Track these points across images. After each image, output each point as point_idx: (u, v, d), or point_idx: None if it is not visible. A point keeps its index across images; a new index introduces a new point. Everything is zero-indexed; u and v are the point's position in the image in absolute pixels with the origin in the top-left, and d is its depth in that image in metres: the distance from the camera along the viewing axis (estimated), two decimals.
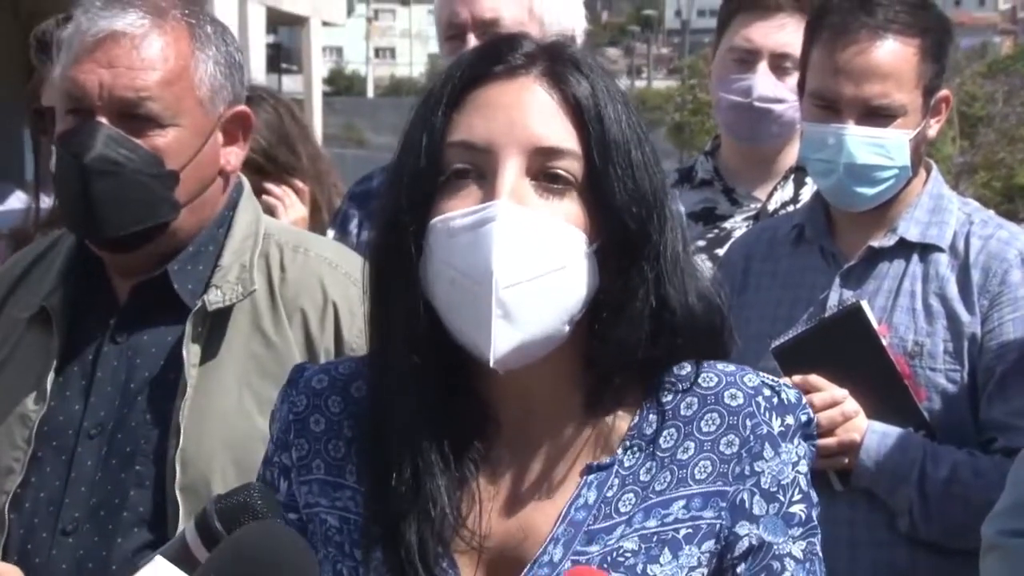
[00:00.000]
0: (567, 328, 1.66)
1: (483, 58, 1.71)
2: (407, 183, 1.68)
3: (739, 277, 3.15)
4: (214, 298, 2.38)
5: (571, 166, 1.66)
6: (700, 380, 1.74)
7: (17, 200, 3.86)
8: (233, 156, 2.47)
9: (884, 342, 2.89)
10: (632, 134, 1.68)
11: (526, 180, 1.65)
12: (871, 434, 2.87)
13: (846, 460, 2.88)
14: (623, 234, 1.66)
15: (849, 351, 2.88)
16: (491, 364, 1.62)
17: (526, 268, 1.62)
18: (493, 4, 3.14)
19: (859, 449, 2.87)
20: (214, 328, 2.38)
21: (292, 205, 3.47)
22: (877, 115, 2.91)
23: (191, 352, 2.35)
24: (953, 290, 2.93)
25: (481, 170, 1.66)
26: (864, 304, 2.91)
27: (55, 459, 2.37)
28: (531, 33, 3.09)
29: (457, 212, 1.64)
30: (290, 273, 2.44)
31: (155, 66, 2.34)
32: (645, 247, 1.67)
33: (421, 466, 1.68)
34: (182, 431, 2.31)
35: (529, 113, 1.66)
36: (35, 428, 2.37)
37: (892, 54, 2.90)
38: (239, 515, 1.62)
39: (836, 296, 2.99)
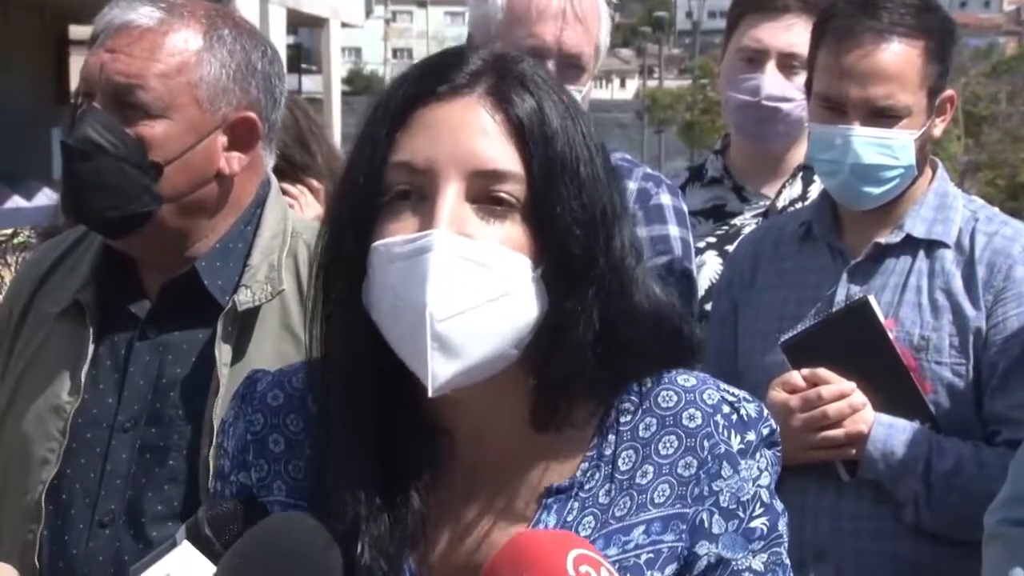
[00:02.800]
0: (515, 351, 1.63)
1: (427, 75, 1.67)
2: (350, 202, 1.66)
3: (747, 274, 3.18)
4: (244, 298, 2.39)
5: (514, 189, 1.61)
6: (659, 399, 1.71)
7: (45, 197, 3.93)
8: (236, 161, 2.44)
9: (891, 336, 2.92)
10: (582, 151, 1.64)
11: (466, 205, 1.61)
12: (878, 426, 2.90)
13: (853, 451, 2.92)
14: (567, 257, 1.62)
15: (856, 345, 2.91)
16: (430, 394, 1.59)
17: (463, 299, 1.58)
18: (578, 41, 3.11)
19: (866, 440, 2.90)
20: (244, 327, 2.39)
21: (308, 204, 3.50)
22: (882, 116, 2.94)
23: (223, 352, 2.36)
24: (958, 285, 2.95)
25: (422, 192, 1.62)
26: (871, 299, 2.93)
27: (90, 451, 2.38)
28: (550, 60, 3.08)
29: (397, 239, 1.60)
30: None
31: (153, 56, 2.35)
32: (590, 271, 1.63)
33: (368, 490, 1.65)
34: (215, 429, 2.30)
35: (471, 135, 1.62)
36: (70, 420, 2.39)
37: (896, 56, 2.93)
38: (228, 523, 1.64)
39: (843, 292, 3.01)
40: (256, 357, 2.38)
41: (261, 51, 2.47)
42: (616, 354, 1.67)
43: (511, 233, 1.62)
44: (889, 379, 2.92)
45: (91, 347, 2.42)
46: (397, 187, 1.63)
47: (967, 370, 2.93)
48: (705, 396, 1.71)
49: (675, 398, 1.71)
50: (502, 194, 1.62)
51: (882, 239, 3.03)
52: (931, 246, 3.00)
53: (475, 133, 1.62)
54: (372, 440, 1.66)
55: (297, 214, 3.40)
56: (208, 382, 2.36)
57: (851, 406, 2.91)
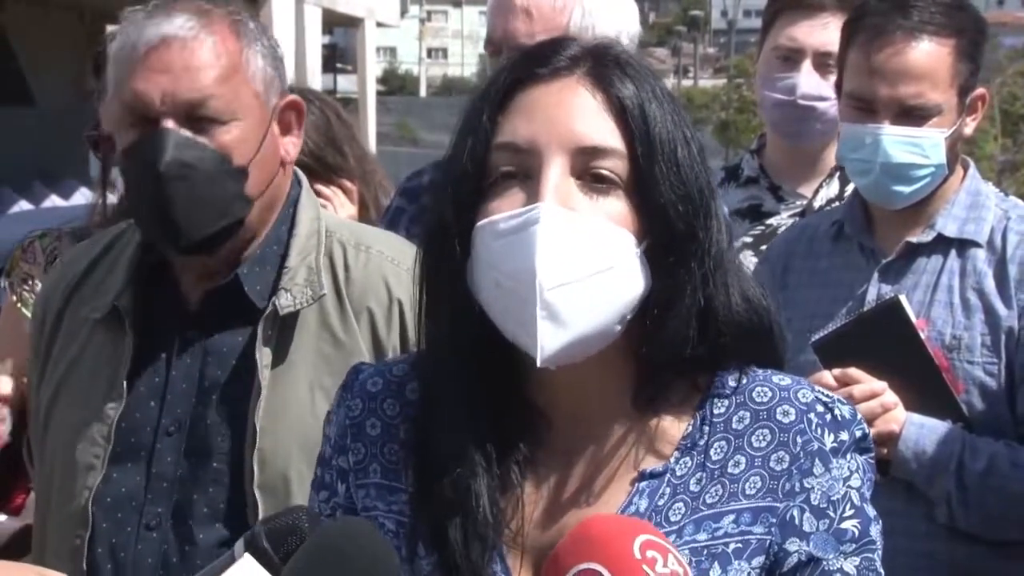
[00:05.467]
0: (619, 327, 1.67)
1: (528, 60, 1.72)
2: (454, 186, 1.69)
3: (780, 274, 3.18)
4: (285, 302, 2.40)
5: (616, 165, 1.66)
6: (754, 394, 1.74)
7: (81, 196, 3.95)
8: (291, 146, 2.49)
9: (922, 336, 2.92)
10: (678, 133, 1.68)
11: (571, 180, 1.65)
12: (910, 426, 2.90)
13: (885, 451, 2.90)
14: (670, 233, 1.66)
15: (888, 345, 2.90)
16: (538, 363, 1.63)
17: (571, 269, 1.62)
18: (528, 30, 3.07)
19: (898, 440, 2.90)
20: (284, 330, 2.41)
21: (342, 205, 3.53)
22: (913, 115, 2.94)
23: (263, 355, 2.38)
24: (991, 284, 2.95)
25: (526, 172, 1.66)
26: (903, 298, 2.93)
27: (135, 456, 2.41)
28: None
29: (502, 215, 1.64)
30: (354, 272, 2.46)
31: (211, 65, 2.36)
32: (692, 246, 1.67)
33: (465, 467, 1.69)
34: (258, 431, 2.35)
35: (572, 113, 1.66)
36: (114, 425, 2.41)
37: (927, 55, 2.93)
38: (287, 537, 1.63)
39: (875, 291, 3.01)
40: (297, 359, 2.40)
41: (275, 40, 2.50)
42: (714, 330, 1.70)
43: (615, 208, 1.66)
44: (921, 378, 2.91)
45: (131, 352, 2.44)
46: (501, 168, 1.67)
47: (999, 369, 2.92)
48: (799, 395, 1.74)
49: (769, 394, 1.74)
50: (604, 170, 1.66)
51: (914, 238, 3.03)
52: (963, 245, 3.00)
53: (576, 111, 1.67)
54: (479, 415, 1.71)
55: (330, 214, 3.44)
56: (250, 385, 2.38)
57: (883, 405, 2.90)
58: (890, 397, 2.91)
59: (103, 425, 2.42)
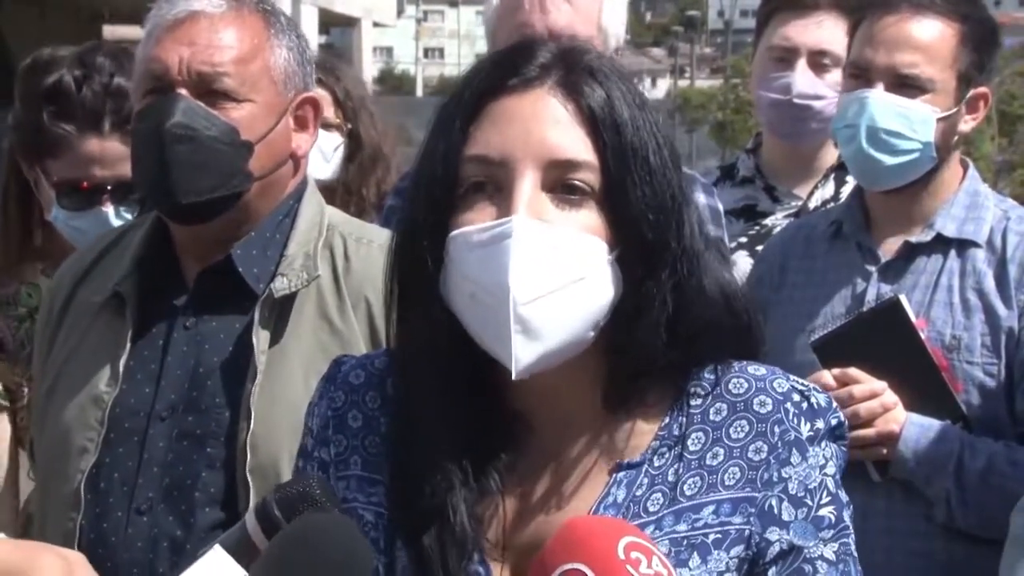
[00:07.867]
0: (591, 334, 1.68)
1: (498, 69, 1.71)
2: (425, 195, 1.70)
3: (776, 274, 3.18)
4: (280, 285, 2.43)
5: (587, 177, 1.66)
6: (730, 386, 1.75)
7: None
8: (304, 141, 2.54)
9: (922, 336, 2.91)
10: (649, 139, 1.68)
11: (542, 193, 1.65)
12: (909, 425, 2.89)
13: (884, 451, 2.90)
14: (641, 242, 1.67)
15: (887, 344, 2.91)
16: (514, 376, 1.64)
17: (544, 283, 1.63)
18: (568, 21, 3.07)
19: (897, 440, 2.89)
20: (281, 315, 2.43)
21: None
22: (906, 85, 2.94)
23: (260, 338, 2.40)
24: (990, 284, 2.95)
25: (498, 183, 1.66)
26: (903, 298, 2.93)
27: (128, 440, 2.43)
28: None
29: (475, 227, 1.65)
30: (354, 263, 2.49)
31: (232, 44, 2.44)
32: (663, 254, 1.68)
33: (441, 478, 1.70)
34: (253, 415, 2.37)
35: (544, 126, 1.66)
36: (108, 409, 2.44)
37: (929, 28, 2.94)
38: (298, 504, 1.64)
39: (874, 291, 3.01)
40: (293, 344, 2.43)
41: (306, 42, 2.57)
42: (688, 335, 1.71)
43: (586, 219, 1.66)
44: (920, 378, 2.91)
45: (130, 337, 2.47)
46: (472, 179, 1.67)
47: (999, 370, 2.91)
48: (775, 384, 1.75)
49: (746, 385, 1.75)
50: (576, 182, 1.66)
51: (913, 238, 3.02)
52: (962, 245, 3.00)
53: (548, 124, 1.67)
54: (455, 423, 1.71)
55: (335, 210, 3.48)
56: (246, 369, 2.41)
57: (883, 405, 2.90)
58: (890, 397, 2.91)
59: (97, 409, 2.45)
